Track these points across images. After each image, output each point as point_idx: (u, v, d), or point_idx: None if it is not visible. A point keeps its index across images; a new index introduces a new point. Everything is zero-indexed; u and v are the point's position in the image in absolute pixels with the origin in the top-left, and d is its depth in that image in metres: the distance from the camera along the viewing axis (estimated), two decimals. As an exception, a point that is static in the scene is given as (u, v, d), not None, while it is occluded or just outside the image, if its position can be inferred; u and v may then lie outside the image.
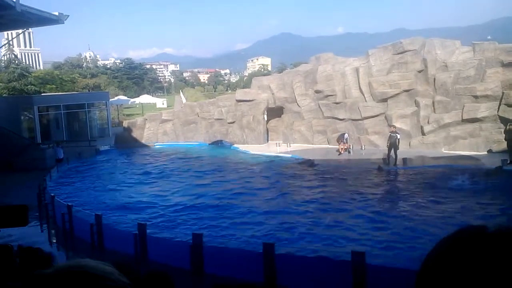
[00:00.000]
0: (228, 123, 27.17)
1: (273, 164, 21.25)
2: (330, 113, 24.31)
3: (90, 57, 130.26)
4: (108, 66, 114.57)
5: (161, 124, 29.37)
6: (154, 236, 9.81)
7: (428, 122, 21.67)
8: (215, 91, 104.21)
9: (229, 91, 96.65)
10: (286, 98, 25.81)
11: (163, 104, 59.63)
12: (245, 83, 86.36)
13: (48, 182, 17.38)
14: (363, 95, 23.62)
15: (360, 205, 13.66)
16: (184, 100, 50.62)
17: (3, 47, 50.18)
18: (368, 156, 21.06)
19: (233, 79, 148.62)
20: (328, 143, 24.18)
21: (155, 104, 60.32)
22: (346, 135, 22.03)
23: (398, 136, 19.05)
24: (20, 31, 31.12)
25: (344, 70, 24.26)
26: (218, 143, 27.79)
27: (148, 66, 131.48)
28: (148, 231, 9.59)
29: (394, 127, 19.79)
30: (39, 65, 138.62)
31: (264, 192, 16.04)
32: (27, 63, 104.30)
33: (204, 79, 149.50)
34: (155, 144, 28.85)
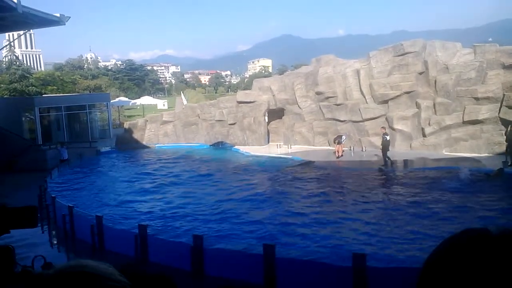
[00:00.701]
0: (229, 124, 27.17)
1: (274, 166, 21.23)
2: (331, 114, 24.31)
3: (91, 58, 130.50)
4: (109, 68, 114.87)
5: (162, 126, 29.38)
6: (154, 237, 9.81)
7: (429, 124, 21.66)
8: (216, 92, 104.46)
9: (230, 93, 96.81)
10: (287, 99, 25.81)
11: (164, 105, 59.54)
12: (246, 85, 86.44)
13: (49, 183, 17.39)
14: (364, 97, 23.62)
15: (360, 207, 13.64)
16: (185, 102, 50.59)
17: (5, 48, 50.27)
18: (369, 158, 21.04)
19: (234, 80, 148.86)
20: (329, 145, 24.13)
21: (156, 106, 60.29)
22: (344, 137, 21.95)
23: (388, 138, 19.10)
24: (21, 32, 31.23)
25: (345, 72, 24.26)
26: (219, 145, 27.79)
27: (149, 68, 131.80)
28: (148, 231, 9.60)
29: (384, 128, 20.08)
30: (40, 67, 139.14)
31: (264, 193, 16.01)
32: (28, 64, 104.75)
33: (205, 81, 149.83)
34: (156, 145, 28.88)
